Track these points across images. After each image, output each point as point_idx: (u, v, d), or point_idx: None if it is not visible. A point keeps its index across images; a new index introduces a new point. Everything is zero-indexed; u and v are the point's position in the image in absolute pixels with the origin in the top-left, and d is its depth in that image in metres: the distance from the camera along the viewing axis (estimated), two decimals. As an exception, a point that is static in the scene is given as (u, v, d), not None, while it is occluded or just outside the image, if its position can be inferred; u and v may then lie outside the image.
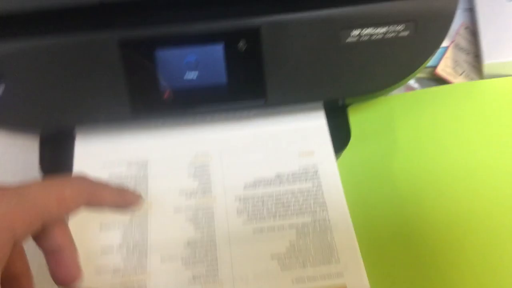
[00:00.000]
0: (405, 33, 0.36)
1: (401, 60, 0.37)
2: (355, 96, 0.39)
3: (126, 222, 0.37)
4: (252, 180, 0.38)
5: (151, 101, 0.37)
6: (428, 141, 0.44)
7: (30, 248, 0.28)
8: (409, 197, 0.42)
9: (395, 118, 0.46)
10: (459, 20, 0.50)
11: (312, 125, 0.41)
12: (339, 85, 0.38)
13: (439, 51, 0.48)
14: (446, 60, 0.48)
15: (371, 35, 0.36)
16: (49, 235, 0.27)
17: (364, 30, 0.36)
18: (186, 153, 0.40)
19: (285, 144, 0.40)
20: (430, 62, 0.48)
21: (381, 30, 0.36)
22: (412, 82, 0.49)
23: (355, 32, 0.36)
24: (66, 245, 0.27)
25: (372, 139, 0.45)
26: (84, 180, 0.27)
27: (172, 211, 0.37)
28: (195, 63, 0.37)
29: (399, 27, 0.36)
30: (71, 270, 0.27)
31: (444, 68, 0.47)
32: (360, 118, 0.46)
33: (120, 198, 0.29)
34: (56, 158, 0.41)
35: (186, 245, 0.36)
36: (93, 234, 0.36)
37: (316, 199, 0.37)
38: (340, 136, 0.41)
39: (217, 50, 0.37)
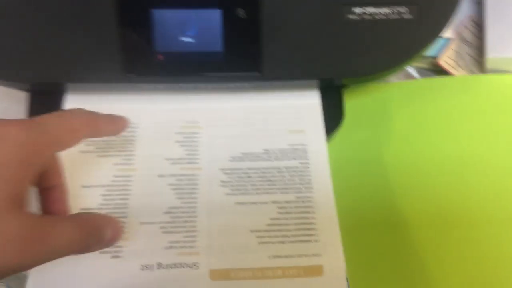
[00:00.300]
0: (408, 16, 0.35)
1: (402, 44, 0.36)
2: (352, 77, 0.38)
3: (109, 183, 0.36)
4: (239, 153, 0.38)
5: (144, 62, 0.37)
6: (422, 132, 0.43)
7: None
8: (397, 187, 0.41)
9: (392, 106, 0.45)
10: (466, 13, 0.49)
11: (305, 104, 0.40)
12: (336, 64, 0.37)
13: (443, 42, 0.47)
14: (449, 51, 0.47)
15: (374, 14, 0.35)
16: (47, 172, 0.30)
17: (366, 8, 0.35)
18: (175, 120, 0.39)
19: (276, 120, 0.39)
20: (433, 52, 0.47)
21: (384, 10, 0.35)
22: (412, 71, 0.48)
23: (357, 10, 0.35)
24: (61, 183, 0.31)
25: (366, 125, 0.44)
26: (84, 111, 0.29)
27: (156, 176, 0.37)
28: (191, 27, 0.36)
29: (402, 9, 0.35)
30: (62, 206, 0.31)
31: (446, 60, 0.46)
32: (356, 103, 0.45)
33: (114, 125, 0.32)
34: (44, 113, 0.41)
35: (166, 211, 0.35)
36: (74, 193, 0.36)
37: (302, 177, 0.37)
38: (333, 117, 0.40)
39: (215, 16, 0.36)
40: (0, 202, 0.23)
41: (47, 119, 0.26)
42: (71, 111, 0.29)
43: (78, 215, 0.27)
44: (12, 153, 0.24)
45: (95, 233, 0.27)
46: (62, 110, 0.28)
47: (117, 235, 0.29)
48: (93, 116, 0.30)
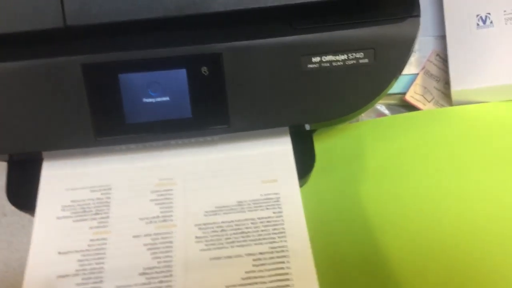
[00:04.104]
0: (365, 60, 0.37)
1: (362, 87, 0.37)
2: (318, 122, 0.39)
3: (84, 247, 0.36)
4: (213, 207, 0.38)
5: (114, 126, 0.37)
6: (397, 168, 0.44)
7: None
8: (375, 224, 0.42)
9: (365, 144, 0.46)
10: (430, 47, 0.50)
11: (277, 151, 0.41)
12: (301, 111, 0.38)
13: (409, 77, 0.48)
14: (416, 86, 0.48)
15: (332, 61, 0.37)
16: None
17: (324, 57, 0.36)
18: (149, 178, 0.40)
19: (248, 170, 0.40)
20: (400, 88, 0.48)
21: (341, 57, 0.36)
22: (383, 108, 0.49)
23: (316, 59, 0.36)
24: None
25: (340, 166, 0.45)
26: None
27: (131, 237, 0.37)
28: (158, 88, 0.37)
29: (358, 55, 0.36)
30: None
31: (413, 95, 0.47)
32: (329, 144, 0.46)
33: None
34: (22, 183, 0.41)
35: (142, 272, 0.35)
36: (51, 260, 0.36)
37: (276, 227, 0.37)
38: (305, 162, 0.41)
39: (180, 76, 0.37)
40: None
41: None
42: None
43: None
44: None
45: None
46: None
47: None
48: None
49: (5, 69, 0.35)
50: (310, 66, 0.37)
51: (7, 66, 0.35)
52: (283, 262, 0.35)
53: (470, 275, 0.39)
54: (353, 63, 0.37)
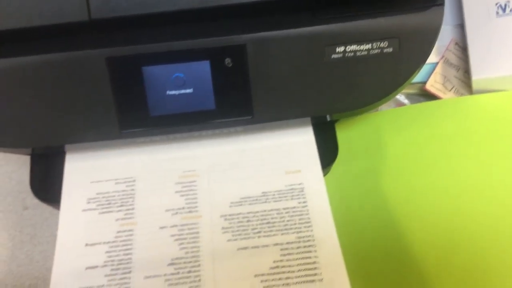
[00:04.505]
0: (389, 50, 0.36)
1: (386, 76, 0.37)
2: (341, 112, 0.39)
3: (112, 239, 0.37)
4: (238, 198, 0.38)
5: (139, 119, 0.38)
6: (417, 157, 0.44)
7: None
8: (397, 213, 0.42)
9: (384, 134, 0.46)
10: (449, 36, 0.50)
11: (300, 141, 0.41)
12: (325, 102, 0.38)
13: (428, 66, 0.48)
14: (436, 75, 0.48)
15: (356, 51, 0.36)
16: None
17: (348, 46, 0.36)
18: (173, 170, 0.40)
19: (272, 161, 0.40)
20: (420, 77, 0.48)
21: (365, 46, 0.36)
22: (402, 98, 0.49)
23: (340, 49, 0.36)
24: None
25: (361, 155, 0.45)
26: None
27: (158, 229, 0.37)
28: (182, 80, 0.37)
29: (383, 44, 0.36)
30: None
31: (433, 84, 0.47)
32: (349, 134, 0.46)
33: None
34: (46, 176, 0.42)
35: (170, 263, 0.35)
36: (79, 252, 0.36)
37: (302, 217, 0.37)
38: (328, 152, 0.41)
39: (204, 67, 0.37)
40: None
41: None
42: None
43: None
44: None
45: None
46: None
47: None
48: None
49: (31, 62, 0.36)
50: (334, 56, 0.37)
51: (33, 60, 0.36)
52: (310, 251, 0.35)
53: (493, 264, 0.39)
54: (377, 52, 0.36)
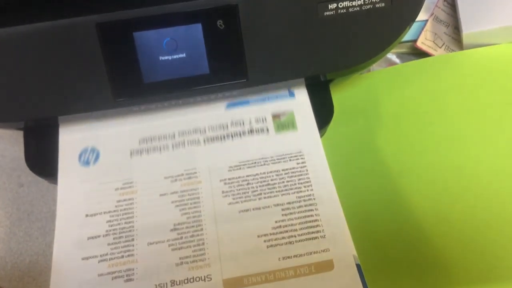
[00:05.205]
0: (381, 5, 0.36)
1: (379, 32, 0.37)
2: (336, 71, 0.39)
3: (112, 208, 0.37)
4: (236, 162, 0.38)
5: (133, 86, 0.37)
6: (411, 114, 0.44)
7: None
8: (394, 170, 0.42)
9: (378, 94, 0.46)
10: (437, -7, 0.50)
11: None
12: (319, 60, 0.38)
13: (418, 24, 0.48)
14: (426, 33, 0.48)
15: (348, 7, 0.36)
16: None
17: (341, 2, 0.36)
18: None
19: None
20: (410, 36, 0.48)
21: (358, 2, 0.36)
22: (393, 57, 0.49)
23: (332, 5, 0.36)
24: None
25: (355, 116, 0.45)
26: None
27: (158, 196, 0.37)
28: (174, 44, 0.37)
29: (375, -1, 0.36)
30: None
31: (424, 41, 0.47)
32: (342, 95, 0.46)
33: None
34: (41, 150, 0.41)
35: (172, 228, 0.35)
36: (79, 223, 0.36)
37: (301, 177, 0.37)
38: (323, 112, 0.41)
39: (196, 30, 0.37)
40: None
41: None
42: None
43: None
44: None
45: None
46: None
47: None
48: None
49: (18, 32, 0.35)
50: (327, 13, 0.36)
51: (20, 29, 0.35)
52: (311, 210, 0.36)
53: (492, 217, 0.39)
54: (370, 7, 0.36)
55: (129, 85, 0.37)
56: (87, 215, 0.37)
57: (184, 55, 0.37)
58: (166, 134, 0.40)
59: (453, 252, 0.38)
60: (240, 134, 0.40)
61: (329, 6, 0.36)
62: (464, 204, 0.40)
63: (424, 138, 0.43)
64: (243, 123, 0.40)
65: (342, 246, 0.34)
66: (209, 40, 0.37)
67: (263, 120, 0.40)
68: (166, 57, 0.37)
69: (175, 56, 0.37)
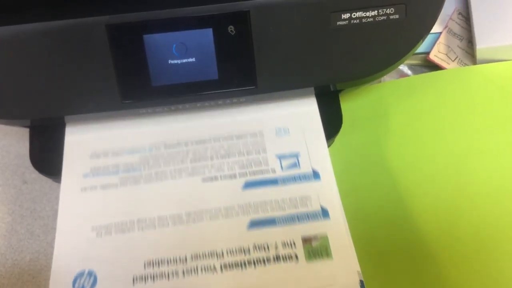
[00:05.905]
0: (395, 16, 0.36)
1: (392, 44, 0.37)
2: (346, 81, 0.39)
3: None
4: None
5: (141, 88, 0.37)
6: (421, 127, 0.44)
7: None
8: (401, 183, 0.42)
9: (388, 105, 0.45)
10: (452, 6, 0.49)
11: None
12: (330, 70, 0.37)
13: (432, 36, 0.48)
14: (439, 45, 0.47)
15: (362, 18, 0.36)
16: None
17: (354, 13, 0.36)
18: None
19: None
20: (423, 48, 0.48)
21: (371, 13, 0.36)
22: (405, 68, 0.48)
23: (346, 15, 0.36)
24: None
25: (365, 126, 0.44)
26: None
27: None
28: (184, 48, 0.36)
29: (389, 10, 0.35)
30: None
31: (437, 54, 0.47)
32: (353, 105, 0.45)
33: None
34: (46, 148, 0.41)
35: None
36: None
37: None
38: (332, 123, 0.40)
39: (206, 35, 0.36)
40: None
41: None
42: None
43: None
44: None
45: None
46: None
47: None
48: None
49: (29, 30, 0.34)
50: (340, 23, 0.36)
51: (31, 28, 0.34)
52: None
53: (500, 232, 0.39)
54: (384, 19, 0.36)
55: (137, 87, 0.37)
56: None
57: (193, 59, 0.37)
58: (177, 257, 0.35)
59: (459, 270, 0.38)
60: (264, 261, 0.34)
61: (342, 16, 0.36)
62: (470, 218, 0.40)
63: (432, 151, 0.43)
64: (268, 248, 0.35)
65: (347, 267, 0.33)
66: (219, 46, 0.36)
67: (291, 245, 0.35)
68: (175, 61, 0.36)
69: (184, 60, 0.36)
